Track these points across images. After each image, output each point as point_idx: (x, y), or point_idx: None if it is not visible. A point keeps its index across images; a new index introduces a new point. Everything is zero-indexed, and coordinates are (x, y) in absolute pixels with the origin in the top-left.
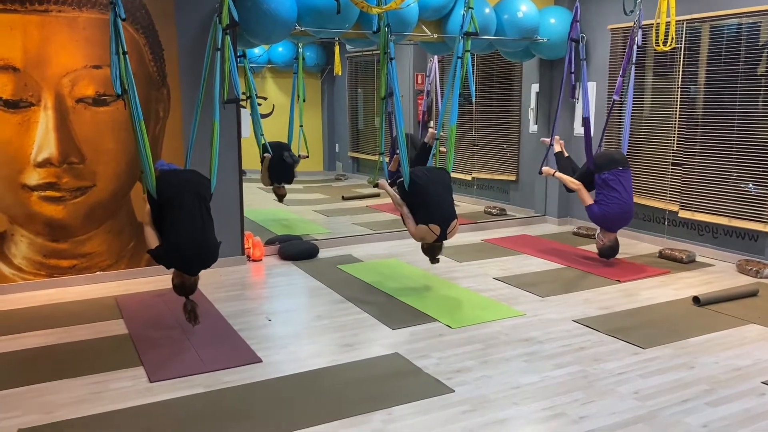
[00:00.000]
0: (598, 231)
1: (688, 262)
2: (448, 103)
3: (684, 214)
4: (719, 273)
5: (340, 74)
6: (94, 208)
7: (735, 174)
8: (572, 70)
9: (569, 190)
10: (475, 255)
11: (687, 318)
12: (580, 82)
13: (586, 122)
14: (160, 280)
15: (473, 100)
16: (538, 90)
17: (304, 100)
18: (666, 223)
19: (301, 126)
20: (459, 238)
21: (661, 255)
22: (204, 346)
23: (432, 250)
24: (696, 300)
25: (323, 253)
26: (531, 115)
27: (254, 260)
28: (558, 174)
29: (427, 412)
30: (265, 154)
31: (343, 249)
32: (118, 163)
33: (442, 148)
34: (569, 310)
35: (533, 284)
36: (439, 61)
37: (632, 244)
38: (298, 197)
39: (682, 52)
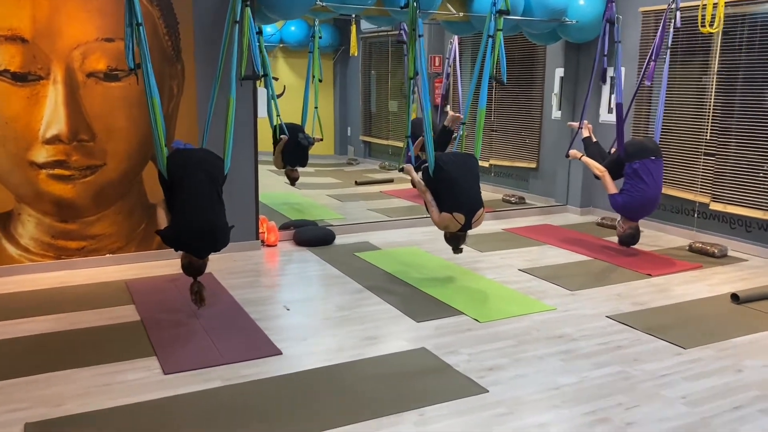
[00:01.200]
0: (619, 218)
1: (721, 257)
2: (476, 84)
3: (715, 206)
4: (754, 268)
5: (355, 54)
6: (104, 188)
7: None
8: (605, 53)
9: (596, 176)
10: (497, 245)
11: (727, 316)
12: (615, 66)
13: (618, 108)
14: (172, 264)
15: (505, 82)
16: (562, 75)
17: (320, 81)
18: (695, 215)
19: (316, 108)
20: (482, 227)
21: (692, 249)
22: (220, 336)
23: (455, 240)
24: (735, 297)
25: (339, 240)
26: (554, 101)
27: (269, 245)
28: (584, 158)
29: (461, 414)
30: (282, 136)
31: (360, 236)
32: (129, 142)
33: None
34: (601, 305)
35: (561, 277)
36: (458, 43)
37: (659, 236)
38: (309, 181)
39: (719, 37)
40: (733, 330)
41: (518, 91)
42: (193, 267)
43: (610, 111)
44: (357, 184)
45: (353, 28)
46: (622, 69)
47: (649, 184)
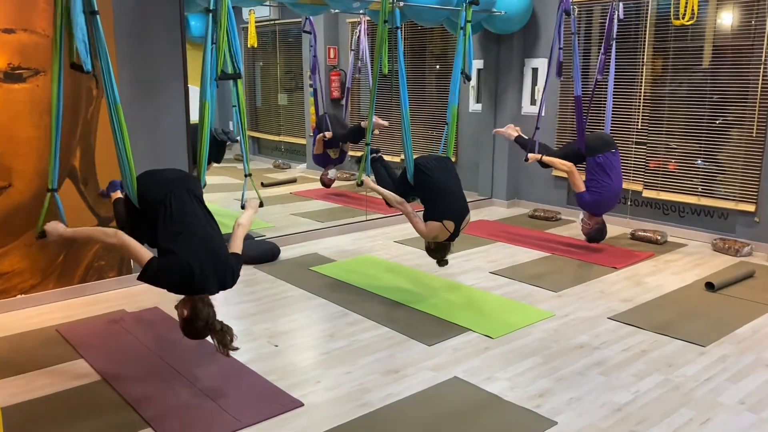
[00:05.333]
0: (582, 215)
1: (663, 243)
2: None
3: (648, 193)
4: (698, 253)
5: (255, 46)
6: (9, 215)
7: (703, 150)
8: (561, 46)
9: (543, 166)
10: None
11: (714, 306)
12: (573, 57)
13: (578, 101)
14: (103, 299)
15: (471, 76)
16: (481, 66)
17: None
18: (628, 203)
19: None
20: None
21: (634, 236)
22: (218, 391)
23: (442, 250)
24: (709, 286)
25: (284, 253)
26: (471, 94)
27: None
28: (546, 158)
29: None
30: None
31: (303, 246)
32: (40, 156)
33: (377, 131)
34: (594, 305)
35: (536, 277)
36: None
37: None
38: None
39: (647, 28)
40: (731, 321)
41: (432, 83)
42: (200, 319)
43: (532, 103)
44: (263, 186)
45: (252, 17)
46: (544, 61)
47: (613, 179)
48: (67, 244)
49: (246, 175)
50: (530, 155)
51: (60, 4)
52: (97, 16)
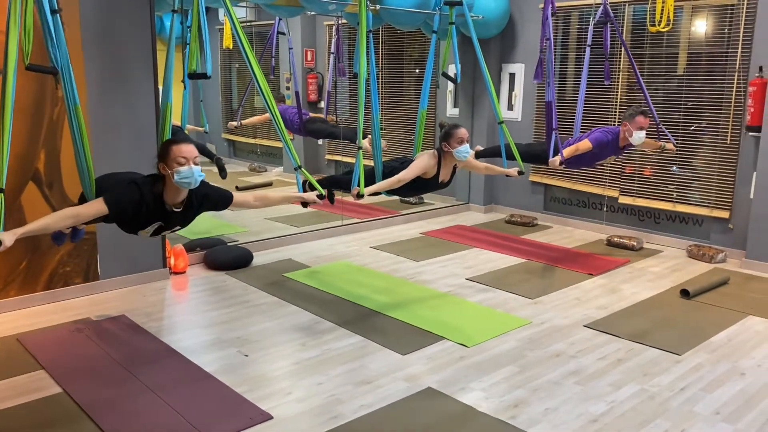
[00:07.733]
0: (626, 130)
1: (639, 249)
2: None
3: (624, 199)
4: (674, 260)
5: (230, 47)
6: None
7: (678, 156)
8: (542, 48)
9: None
10: (427, 252)
11: (689, 314)
12: (547, 63)
13: (549, 106)
14: (68, 307)
15: (458, 80)
16: (458, 71)
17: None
18: (604, 209)
19: (202, 101)
20: (396, 232)
21: (610, 243)
22: (181, 402)
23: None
24: (684, 293)
25: (257, 259)
26: (449, 98)
27: (177, 273)
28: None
29: None
30: None
31: (278, 252)
32: (1, 158)
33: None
34: (569, 312)
35: (512, 284)
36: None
37: (570, 231)
38: None
39: (625, 35)
40: (705, 328)
41: (408, 88)
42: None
43: (509, 108)
44: (238, 189)
45: (227, 19)
46: (519, 66)
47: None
48: (30, 249)
49: (296, 168)
50: (550, 161)
51: (17, 1)
52: (58, 15)
